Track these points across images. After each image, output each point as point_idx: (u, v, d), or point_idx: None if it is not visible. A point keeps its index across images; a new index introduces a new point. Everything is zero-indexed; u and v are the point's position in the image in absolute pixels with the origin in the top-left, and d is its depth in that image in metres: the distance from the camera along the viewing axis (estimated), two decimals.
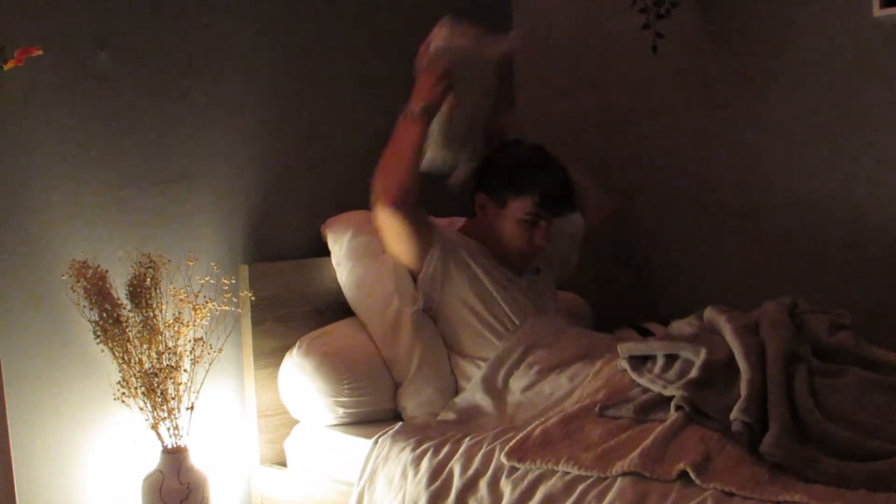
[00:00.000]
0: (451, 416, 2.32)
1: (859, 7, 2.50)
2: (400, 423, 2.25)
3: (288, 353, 2.51)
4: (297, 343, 2.50)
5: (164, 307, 2.27)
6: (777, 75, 2.69)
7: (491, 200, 2.49)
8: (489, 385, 2.32)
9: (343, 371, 2.44)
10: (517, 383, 2.29)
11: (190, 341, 2.29)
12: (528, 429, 1.96)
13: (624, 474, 1.75)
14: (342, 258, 2.61)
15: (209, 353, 2.32)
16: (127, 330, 2.22)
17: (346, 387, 2.43)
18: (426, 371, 2.44)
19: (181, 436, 2.29)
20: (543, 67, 3.18)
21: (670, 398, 1.90)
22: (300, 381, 2.46)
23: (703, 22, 2.80)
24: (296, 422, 2.55)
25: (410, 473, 2.02)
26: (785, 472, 1.69)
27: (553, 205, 2.45)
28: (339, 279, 2.62)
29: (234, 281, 2.46)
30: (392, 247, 2.46)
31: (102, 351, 2.24)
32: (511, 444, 1.91)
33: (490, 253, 2.51)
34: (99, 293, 2.21)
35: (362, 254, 2.58)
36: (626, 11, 2.80)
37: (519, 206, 2.44)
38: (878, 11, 2.43)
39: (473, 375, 2.39)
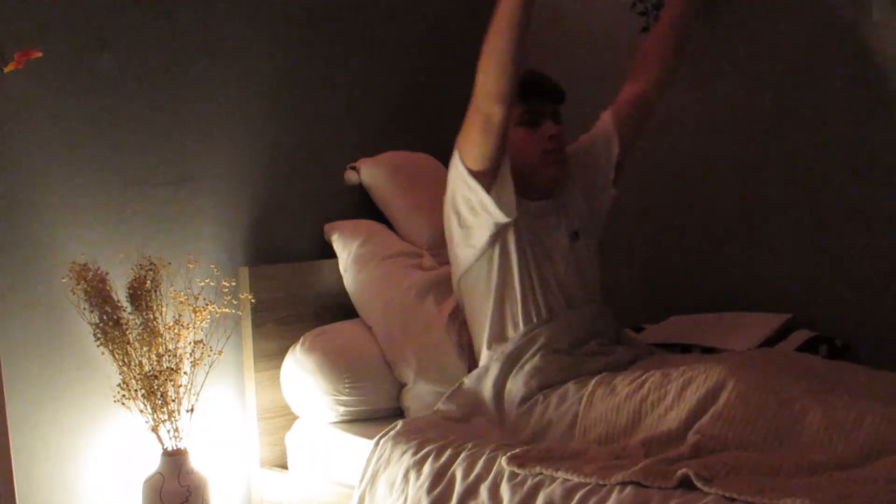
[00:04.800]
0: (452, 408, 2.27)
1: (860, 9, 2.50)
2: (401, 423, 2.23)
3: (290, 350, 2.52)
4: (301, 340, 2.51)
5: (164, 309, 2.27)
6: (778, 78, 2.69)
7: None
8: (498, 387, 2.26)
9: (344, 370, 2.44)
10: (516, 388, 2.25)
11: (190, 343, 2.29)
12: (532, 446, 1.97)
13: (624, 483, 1.75)
14: (349, 264, 2.61)
15: (209, 356, 2.32)
16: (127, 332, 2.22)
17: (346, 385, 2.43)
18: (431, 375, 2.44)
19: (181, 438, 2.29)
20: (543, 70, 3.17)
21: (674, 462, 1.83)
22: (302, 378, 2.46)
23: (704, 24, 2.80)
24: (296, 421, 2.55)
25: (412, 477, 2.02)
26: (787, 479, 1.69)
27: (538, 89, 2.34)
28: (345, 284, 2.62)
29: (234, 283, 2.47)
30: (472, 147, 2.26)
31: (103, 353, 2.24)
32: (513, 452, 1.91)
33: (523, 202, 2.33)
34: (99, 295, 2.21)
35: (369, 260, 2.59)
36: (626, 13, 2.80)
37: (511, 113, 2.27)
38: (877, 14, 2.43)
39: (488, 365, 2.31)
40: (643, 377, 2.09)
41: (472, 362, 2.41)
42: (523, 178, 2.32)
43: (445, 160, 2.83)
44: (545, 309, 2.31)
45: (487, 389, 2.26)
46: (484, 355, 2.34)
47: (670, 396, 2.00)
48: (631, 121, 2.51)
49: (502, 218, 2.25)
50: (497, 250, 2.30)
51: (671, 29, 2.52)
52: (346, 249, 2.62)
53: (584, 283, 2.40)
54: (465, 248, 2.34)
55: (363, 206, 2.76)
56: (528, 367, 2.24)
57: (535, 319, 2.31)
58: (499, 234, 2.29)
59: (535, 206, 2.37)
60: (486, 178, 2.25)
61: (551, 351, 2.26)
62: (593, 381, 2.14)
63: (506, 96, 2.17)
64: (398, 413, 2.49)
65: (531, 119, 2.33)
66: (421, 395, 2.44)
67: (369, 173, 2.73)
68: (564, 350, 2.27)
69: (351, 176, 2.74)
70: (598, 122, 2.53)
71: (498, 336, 2.33)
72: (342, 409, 2.45)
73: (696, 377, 2.00)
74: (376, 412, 2.49)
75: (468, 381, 2.31)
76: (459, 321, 2.46)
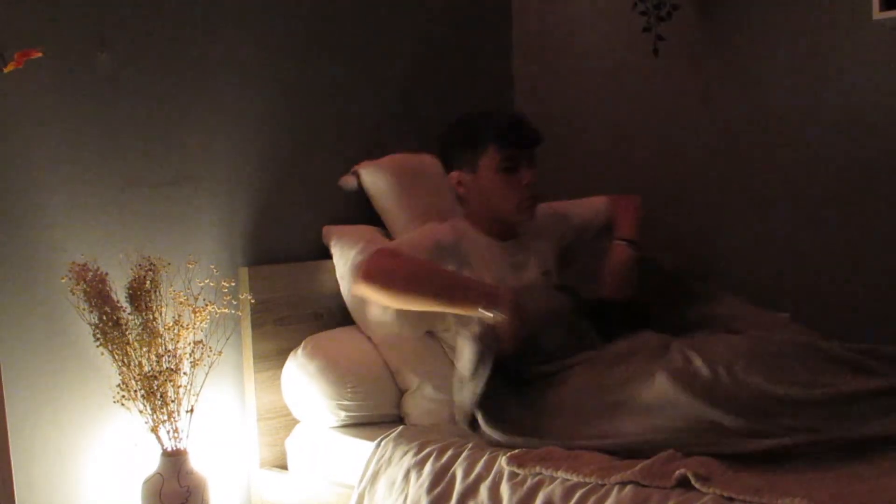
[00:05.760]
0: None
1: (859, 9, 2.50)
2: (402, 427, 2.24)
3: (292, 353, 2.51)
4: (303, 343, 2.50)
5: (163, 310, 2.27)
6: (777, 78, 2.69)
7: (464, 173, 2.43)
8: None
9: (347, 375, 2.43)
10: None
11: (190, 344, 2.29)
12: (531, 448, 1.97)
13: (622, 483, 1.75)
14: (347, 272, 2.60)
15: (209, 356, 2.32)
16: (127, 333, 2.22)
17: (348, 391, 2.43)
18: (432, 381, 2.43)
19: (181, 438, 2.29)
20: (543, 70, 3.18)
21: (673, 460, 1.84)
22: (303, 382, 2.46)
23: (704, 25, 2.80)
24: (296, 423, 2.55)
25: (413, 477, 2.02)
26: (785, 479, 1.69)
27: (518, 137, 2.39)
28: (342, 291, 2.61)
29: (233, 283, 2.46)
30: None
31: (102, 354, 2.24)
32: (513, 452, 1.91)
33: (495, 242, 2.43)
34: (99, 296, 2.21)
35: None
36: (626, 14, 2.80)
37: (489, 158, 2.38)
38: (877, 14, 2.43)
39: None
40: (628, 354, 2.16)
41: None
42: (496, 220, 2.43)
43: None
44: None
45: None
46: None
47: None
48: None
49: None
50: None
51: None
52: (344, 257, 2.61)
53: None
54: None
55: (363, 208, 2.75)
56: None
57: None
58: None
59: (505, 245, 2.45)
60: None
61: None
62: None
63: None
64: (399, 419, 2.49)
65: (509, 166, 2.38)
66: (422, 401, 2.44)
67: (371, 178, 2.70)
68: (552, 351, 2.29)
69: (348, 182, 2.72)
70: (595, 210, 2.63)
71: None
72: (343, 414, 2.44)
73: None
74: (377, 417, 2.48)
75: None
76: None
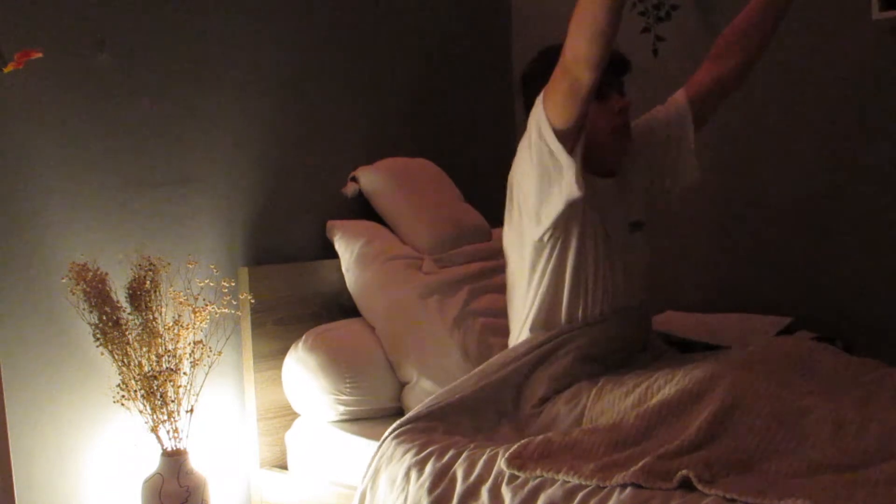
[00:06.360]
0: (469, 387, 2.17)
1: (858, 9, 2.50)
2: (405, 420, 2.15)
3: (293, 346, 2.52)
4: (303, 337, 2.51)
5: (163, 310, 2.27)
6: (776, 78, 2.69)
7: None
8: (525, 373, 2.19)
9: (346, 369, 2.45)
10: (539, 385, 2.18)
11: (189, 344, 2.29)
12: (530, 438, 1.95)
13: (624, 485, 1.75)
14: (352, 264, 2.61)
15: (209, 356, 2.32)
16: (126, 333, 2.22)
17: (347, 385, 2.44)
18: (435, 376, 2.44)
19: (181, 438, 2.29)
20: None
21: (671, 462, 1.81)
22: (303, 376, 2.47)
23: (704, 25, 2.80)
24: (296, 420, 2.56)
25: (413, 476, 2.01)
26: (787, 481, 1.69)
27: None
28: (348, 284, 2.63)
29: (233, 284, 2.46)
30: (554, 108, 2.09)
31: (102, 354, 2.24)
32: (511, 450, 1.90)
33: (597, 179, 2.24)
34: (99, 296, 2.21)
35: (373, 259, 2.59)
36: (625, 14, 2.79)
37: None
38: (877, 14, 2.43)
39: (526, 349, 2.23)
40: (652, 367, 2.11)
41: (478, 364, 2.41)
42: (590, 153, 2.19)
43: (444, 165, 2.85)
44: (591, 309, 2.22)
45: (517, 372, 2.19)
46: (523, 337, 2.26)
47: (678, 376, 2.00)
48: (706, 106, 2.36)
49: (576, 191, 2.08)
50: (562, 236, 2.19)
51: (768, 8, 2.27)
52: (349, 249, 2.62)
53: (634, 283, 2.31)
54: (531, 222, 2.20)
55: (363, 207, 2.76)
56: (556, 366, 2.19)
57: (579, 317, 2.22)
58: (568, 217, 2.16)
59: (601, 183, 2.24)
60: (565, 142, 2.09)
61: (582, 355, 2.21)
62: (604, 378, 2.13)
63: (597, 63, 2.00)
64: (399, 412, 2.49)
65: (599, 92, 2.16)
66: (421, 394, 2.44)
67: (369, 180, 2.73)
68: (594, 357, 2.23)
69: (350, 189, 2.75)
70: (670, 104, 2.38)
71: (541, 322, 2.24)
72: (342, 408, 2.46)
73: (704, 362, 2.02)
74: (377, 412, 2.50)
75: (500, 359, 2.23)
76: (464, 328, 2.47)
